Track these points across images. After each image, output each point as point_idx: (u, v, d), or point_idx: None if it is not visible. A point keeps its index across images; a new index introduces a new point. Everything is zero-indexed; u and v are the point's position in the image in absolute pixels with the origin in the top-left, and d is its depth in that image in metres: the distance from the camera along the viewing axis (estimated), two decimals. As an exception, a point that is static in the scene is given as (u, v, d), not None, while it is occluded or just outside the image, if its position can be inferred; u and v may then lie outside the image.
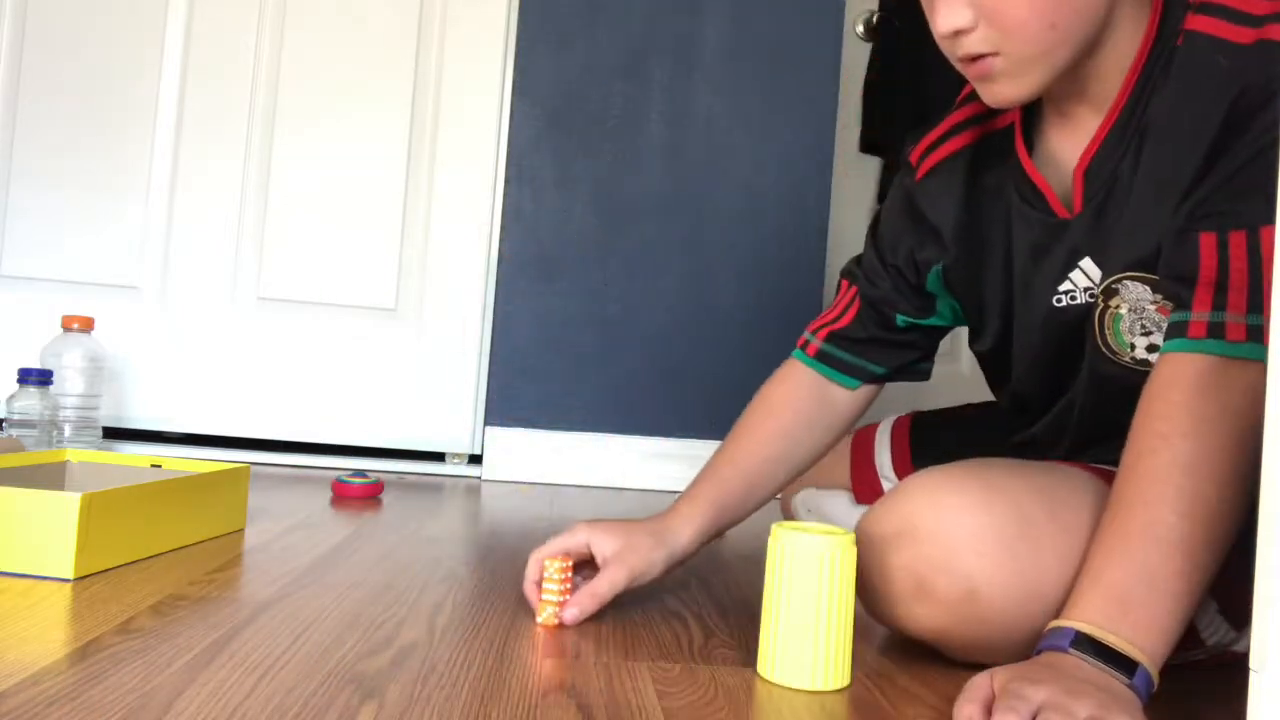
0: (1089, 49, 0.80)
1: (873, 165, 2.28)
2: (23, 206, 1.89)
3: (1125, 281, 0.82)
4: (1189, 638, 0.74)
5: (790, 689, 0.74)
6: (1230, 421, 0.70)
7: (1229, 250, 0.73)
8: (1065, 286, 0.87)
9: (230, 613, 0.84)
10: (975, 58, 0.79)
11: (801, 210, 2.03)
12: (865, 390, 1.03)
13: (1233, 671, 0.64)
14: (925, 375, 1.06)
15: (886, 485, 1.26)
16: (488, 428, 1.97)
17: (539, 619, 0.88)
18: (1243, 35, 0.75)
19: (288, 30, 1.96)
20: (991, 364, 1.02)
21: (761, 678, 0.76)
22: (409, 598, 0.94)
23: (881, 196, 2.24)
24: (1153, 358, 0.81)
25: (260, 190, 1.96)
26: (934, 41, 0.81)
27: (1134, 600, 0.67)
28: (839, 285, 1.07)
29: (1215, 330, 0.72)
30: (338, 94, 1.97)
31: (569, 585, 0.89)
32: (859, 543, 0.81)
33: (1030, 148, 0.90)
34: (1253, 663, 0.50)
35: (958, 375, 2.18)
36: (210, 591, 0.91)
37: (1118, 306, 0.83)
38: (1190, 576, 0.68)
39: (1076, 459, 0.90)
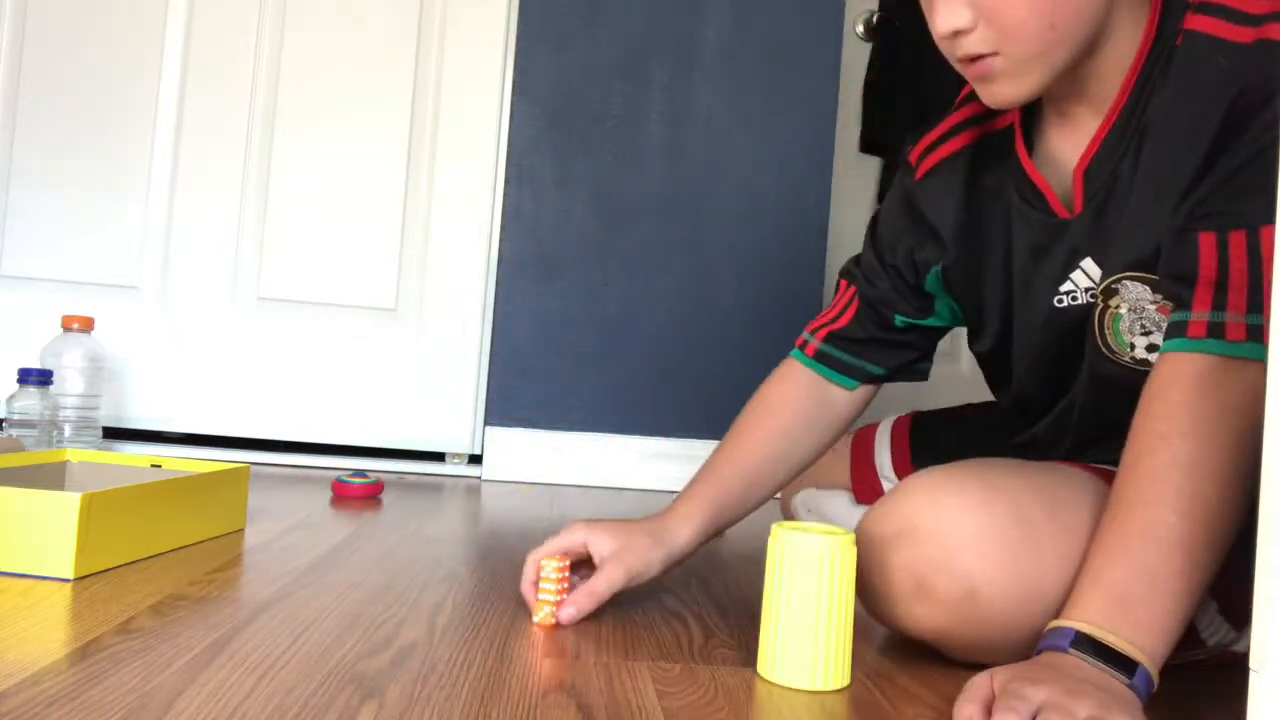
0: (1088, 49, 0.80)
1: (873, 165, 2.28)
2: (23, 206, 1.89)
3: (1125, 281, 0.82)
4: (1189, 638, 0.74)
5: (790, 689, 0.74)
6: (1230, 421, 0.70)
7: (1229, 250, 0.73)
8: (1066, 287, 0.87)
9: (230, 613, 0.84)
10: (974, 58, 0.79)
11: (801, 210, 2.03)
12: (863, 390, 1.04)
13: (1233, 671, 0.64)
14: (923, 375, 1.06)
15: (886, 485, 1.26)
16: (488, 428, 1.97)
17: (536, 619, 0.88)
18: (1242, 35, 0.75)
19: (288, 30, 1.96)
20: (991, 365, 1.01)
21: (761, 678, 0.76)
22: (409, 598, 0.94)
23: (881, 196, 2.24)
24: (1152, 357, 0.81)
25: (260, 190, 1.96)
26: (934, 41, 0.81)
27: (1134, 600, 0.67)
28: (837, 285, 1.07)
29: (1215, 330, 0.72)
30: (338, 94, 1.97)
31: (566, 585, 0.89)
32: (859, 543, 0.81)
33: (1030, 148, 0.90)
34: (1253, 663, 0.50)
35: (958, 375, 2.18)
36: (210, 591, 0.91)
37: (1117, 306, 0.83)
38: (1190, 576, 0.68)
39: (1077, 459, 0.90)
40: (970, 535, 0.74)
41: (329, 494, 1.56)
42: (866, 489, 1.28)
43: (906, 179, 1.00)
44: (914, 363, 1.05)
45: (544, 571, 0.88)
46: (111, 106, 1.91)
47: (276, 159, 1.96)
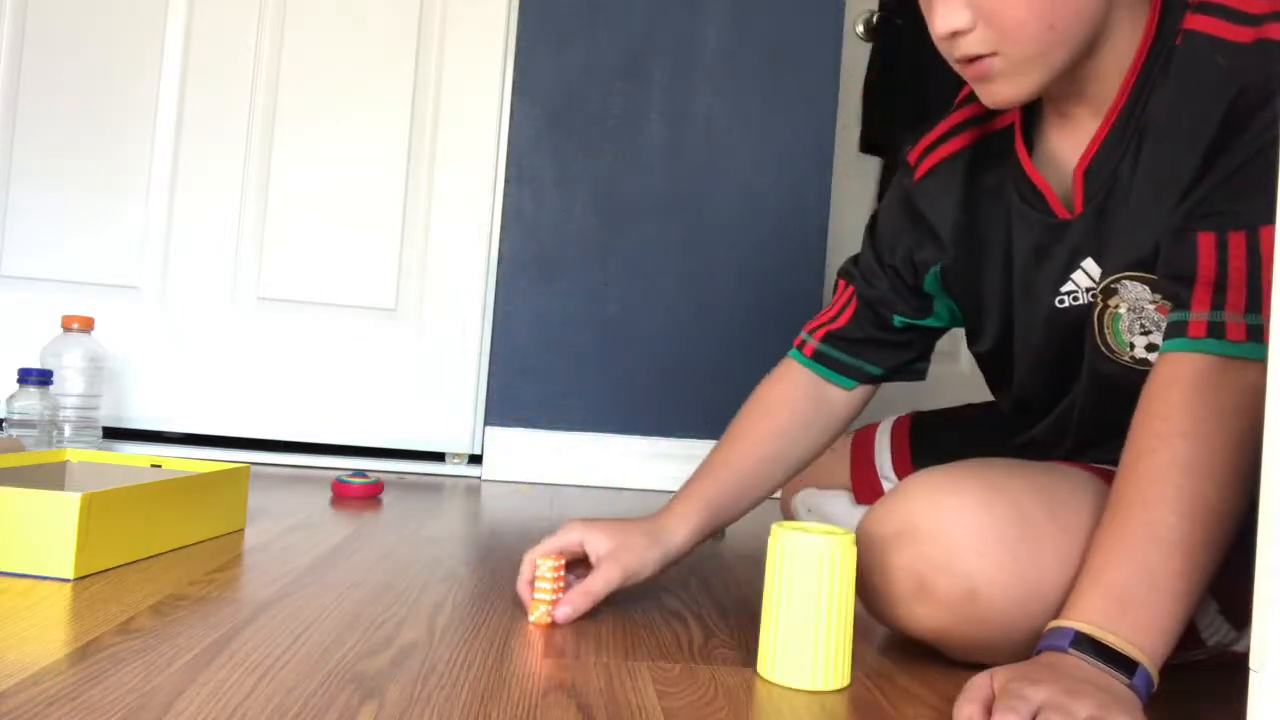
0: (1088, 49, 0.80)
1: (873, 165, 2.28)
2: (23, 206, 1.89)
3: (1124, 281, 0.82)
4: (1189, 638, 0.74)
5: (790, 689, 0.74)
6: (1230, 421, 0.70)
7: (1228, 250, 0.73)
8: (1067, 287, 0.87)
9: (230, 613, 0.84)
10: (973, 59, 0.79)
11: (801, 210, 2.03)
12: (861, 390, 1.04)
13: (1233, 671, 0.64)
14: (921, 375, 1.06)
15: (886, 485, 1.26)
16: (488, 428, 1.97)
17: (531, 618, 0.88)
18: (1241, 34, 0.75)
19: (288, 30, 1.96)
20: (991, 365, 1.01)
21: (761, 678, 0.76)
22: (409, 598, 0.94)
23: (881, 196, 2.23)
24: (1152, 357, 0.81)
25: (260, 190, 1.96)
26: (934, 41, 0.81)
27: (1134, 600, 0.67)
28: (835, 285, 1.07)
29: (1215, 330, 0.72)
30: (338, 94, 1.97)
31: (562, 584, 0.89)
32: (860, 543, 0.81)
33: (1030, 148, 0.90)
34: (1253, 663, 0.50)
35: (958, 375, 2.18)
36: (210, 591, 0.91)
37: (1117, 306, 0.83)
38: (1190, 576, 0.68)
39: (1077, 459, 0.90)
40: (970, 535, 0.74)
41: (329, 494, 1.56)
42: (866, 489, 1.28)
43: (905, 179, 1.00)
44: (912, 363, 1.05)
45: (540, 570, 0.88)
46: (111, 106, 1.91)
47: (276, 159, 1.96)
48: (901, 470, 1.25)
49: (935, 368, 1.07)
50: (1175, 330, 0.74)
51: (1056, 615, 0.70)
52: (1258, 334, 0.70)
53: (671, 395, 1.99)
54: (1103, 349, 0.85)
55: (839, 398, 1.03)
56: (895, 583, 0.78)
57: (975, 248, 0.94)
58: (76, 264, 1.91)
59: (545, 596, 0.88)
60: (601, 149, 2.00)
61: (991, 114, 0.93)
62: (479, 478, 1.95)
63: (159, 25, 1.93)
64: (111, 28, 1.92)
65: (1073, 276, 0.86)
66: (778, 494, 1.01)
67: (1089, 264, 0.85)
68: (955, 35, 0.78)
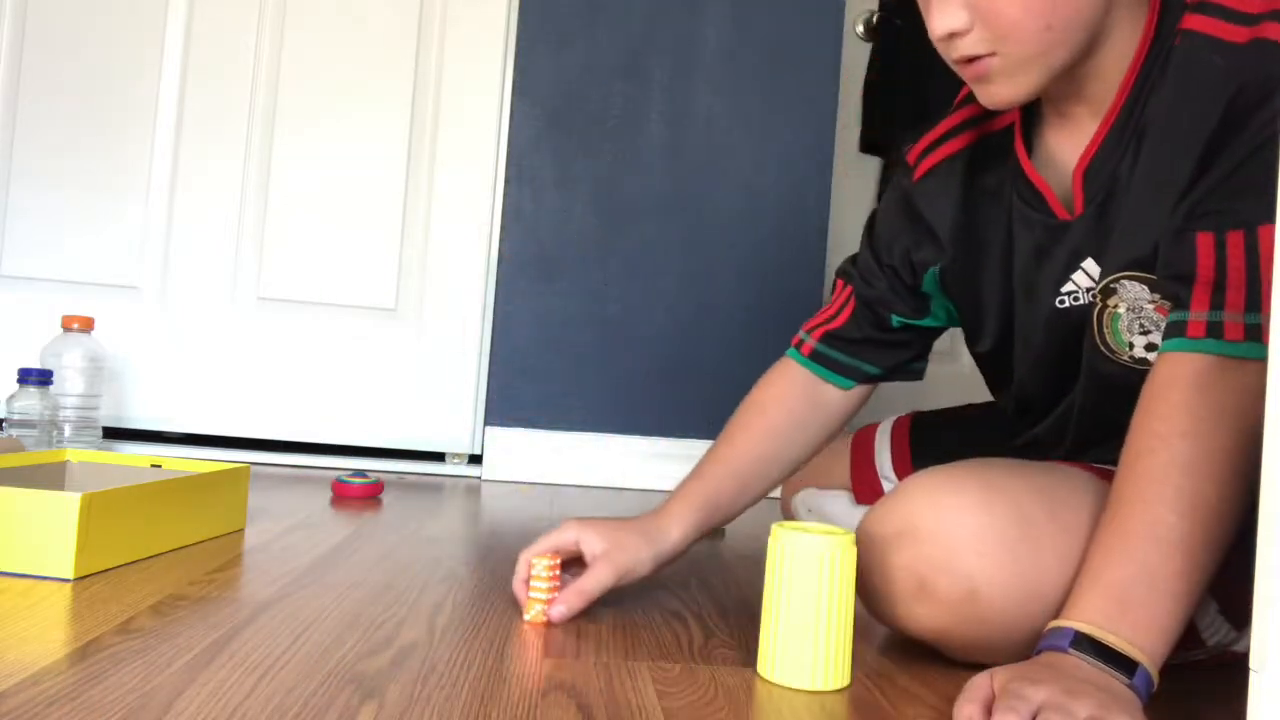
0: (1086, 50, 0.80)
1: (873, 165, 2.28)
2: (23, 206, 1.89)
3: (1123, 281, 0.82)
4: (1189, 638, 0.75)
5: (790, 689, 0.74)
6: (1229, 421, 0.70)
7: (1227, 250, 0.73)
8: (1068, 288, 0.87)
9: (230, 613, 0.84)
10: (971, 59, 0.79)
11: (801, 210, 2.03)
12: (859, 390, 1.04)
13: (1233, 671, 0.64)
14: (919, 375, 1.06)
15: (886, 485, 1.26)
16: (488, 428, 1.97)
17: (526, 617, 0.88)
18: (1239, 34, 0.75)
19: (288, 30, 1.96)
20: (991, 366, 1.01)
21: (761, 678, 0.76)
22: (409, 598, 0.94)
23: (881, 196, 2.24)
24: (1151, 357, 0.81)
25: (260, 190, 1.96)
26: (933, 41, 0.81)
27: (1133, 600, 0.67)
28: (834, 285, 1.07)
29: (1214, 329, 0.72)
30: (338, 94, 1.97)
31: (557, 583, 0.89)
32: (860, 543, 0.81)
33: (1029, 149, 0.90)
34: (1253, 663, 0.50)
35: (958, 375, 2.18)
36: (210, 591, 0.91)
37: (1116, 306, 0.83)
38: (1190, 576, 0.68)
39: (1077, 459, 0.90)
40: (971, 535, 0.74)
41: (329, 494, 1.56)
42: (866, 489, 1.28)
43: (904, 179, 1.00)
44: (910, 362, 1.05)
45: (535, 569, 0.89)
46: (111, 106, 1.92)
47: (276, 159, 1.96)
48: (901, 470, 1.25)
49: (935, 368, 1.07)
50: (1174, 330, 0.74)
51: (1056, 615, 0.70)
52: (1257, 333, 0.70)
53: (671, 395, 1.99)
54: (1102, 349, 0.85)
55: (836, 397, 1.03)
56: (895, 583, 0.78)
57: (974, 248, 0.94)
58: (76, 264, 1.91)
59: (540, 595, 0.88)
60: (601, 149, 2.00)
61: (991, 115, 0.93)
62: (479, 478, 1.95)
63: (159, 25, 1.93)
64: (111, 28, 1.92)
65: (1073, 277, 0.86)
66: (777, 493, 1.01)
67: (1089, 264, 0.85)
68: (953, 36, 0.78)
